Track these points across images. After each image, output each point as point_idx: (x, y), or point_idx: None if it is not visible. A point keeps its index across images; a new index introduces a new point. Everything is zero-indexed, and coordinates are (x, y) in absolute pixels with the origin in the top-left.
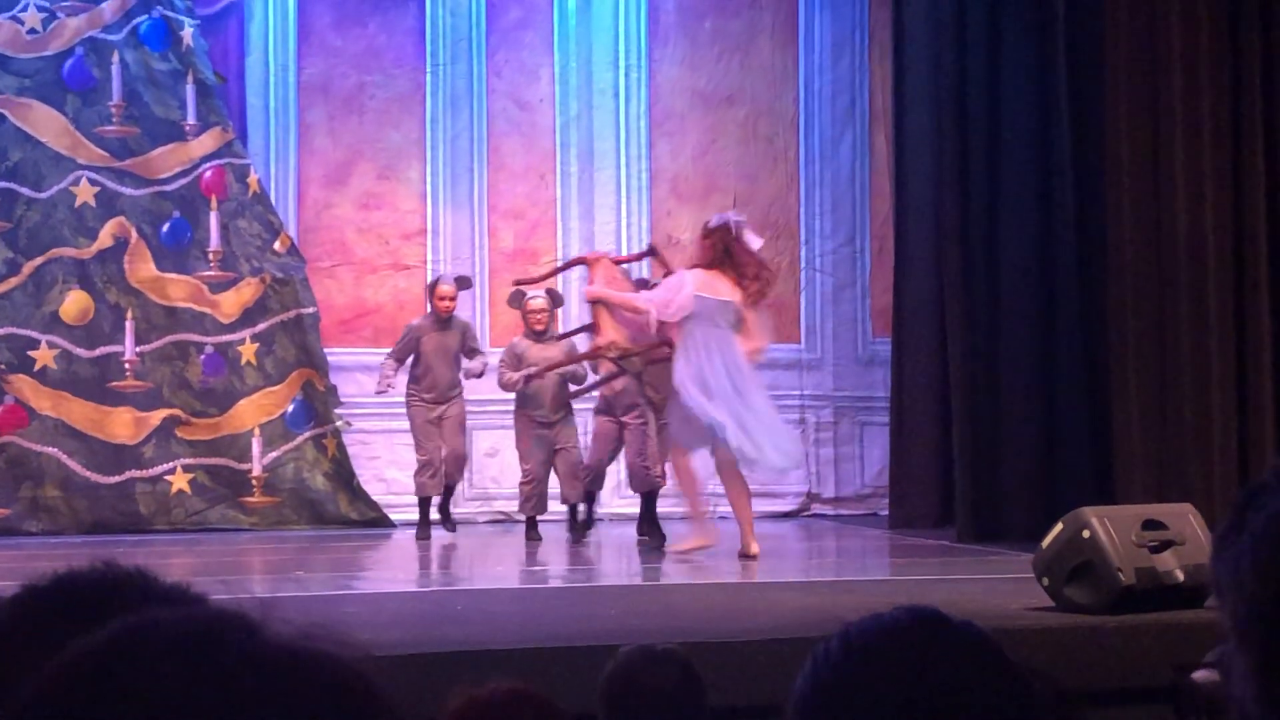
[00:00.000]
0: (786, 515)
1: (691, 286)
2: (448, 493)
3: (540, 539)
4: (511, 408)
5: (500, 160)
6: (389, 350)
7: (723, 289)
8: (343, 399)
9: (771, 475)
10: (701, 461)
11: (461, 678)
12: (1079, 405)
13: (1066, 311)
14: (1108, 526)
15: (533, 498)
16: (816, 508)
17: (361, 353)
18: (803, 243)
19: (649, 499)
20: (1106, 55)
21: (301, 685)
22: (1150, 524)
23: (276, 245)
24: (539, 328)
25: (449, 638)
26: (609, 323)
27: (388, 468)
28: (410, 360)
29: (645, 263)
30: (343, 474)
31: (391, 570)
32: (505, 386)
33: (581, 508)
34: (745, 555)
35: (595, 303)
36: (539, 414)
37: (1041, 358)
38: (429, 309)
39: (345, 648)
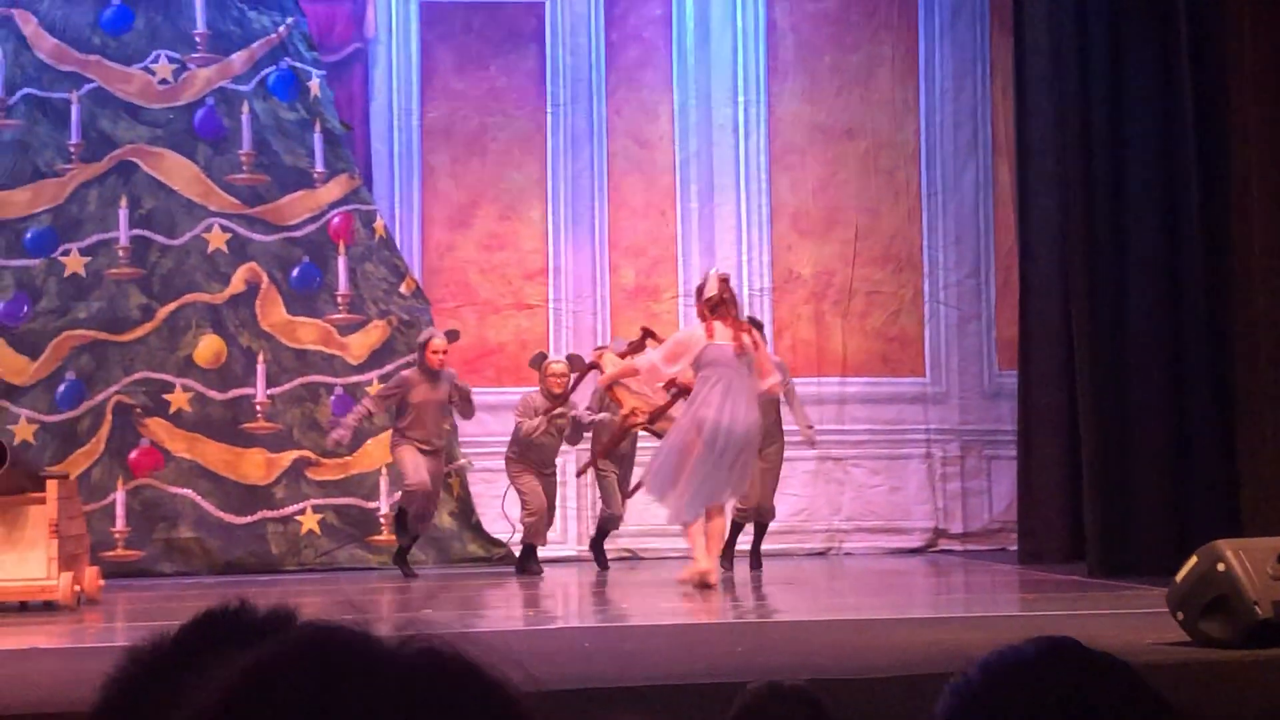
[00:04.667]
0: (913, 551)
1: (698, 336)
2: (422, 521)
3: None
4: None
5: (621, 198)
6: (377, 393)
7: (727, 334)
8: (467, 438)
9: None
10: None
11: (591, 715)
12: (1210, 436)
13: (1195, 340)
14: (1243, 559)
15: (540, 529)
16: (944, 543)
17: (486, 392)
18: (926, 276)
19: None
20: (1231, 76)
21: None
22: None
23: (402, 288)
24: (557, 391)
25: (576, 675)
26: (626, 395)
27: (512, 506)
28: (400, 411)
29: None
30: (467, 512)
31: (517, 607)
32: (526, 434)
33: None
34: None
35: (609, 388)
36: (540, 465)
37: (1171, 388)
38: (420, 360)
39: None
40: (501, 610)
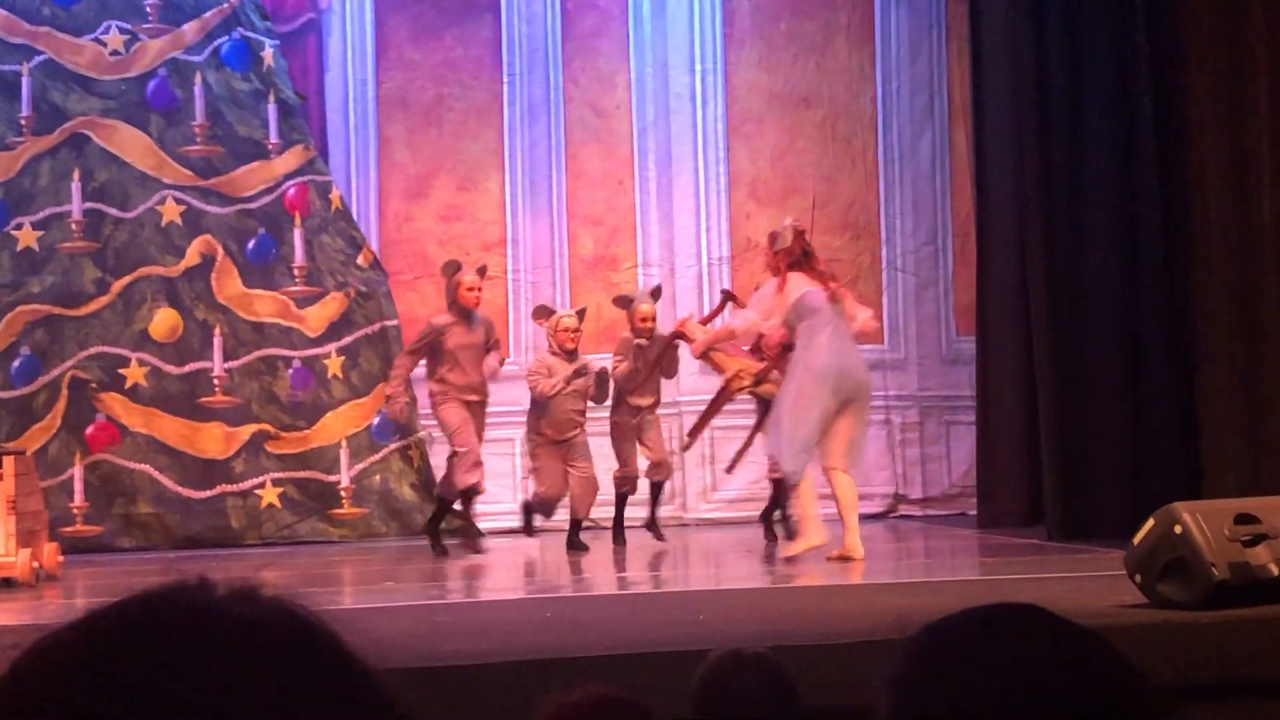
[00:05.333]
0: (874, 516)
1: (790, 289)
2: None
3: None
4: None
5: (579, 168)
6: (406, 350)
7: (814, 283)
8: (426, 410)
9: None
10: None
11: (552, 685)
12: (1168, 399)
13: (1153, 304)
14: (1200, 522)
15: (549, 508)
16: (904, 508)
17: None
18: (884, 242)
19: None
20: (1188, 44)
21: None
22: (1243, 518)
23: (360, 260)
24: (570, 346)
25: (539, 645)
26: (725, 359)
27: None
28: (435, 360)
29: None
30: (428, 484)
31: (480, 579)
32: (543, 393)
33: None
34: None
35: (704, 356)
36: (559, 430)
37: (1129, 352)
38: (453, 302)
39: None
40: (463, 581)
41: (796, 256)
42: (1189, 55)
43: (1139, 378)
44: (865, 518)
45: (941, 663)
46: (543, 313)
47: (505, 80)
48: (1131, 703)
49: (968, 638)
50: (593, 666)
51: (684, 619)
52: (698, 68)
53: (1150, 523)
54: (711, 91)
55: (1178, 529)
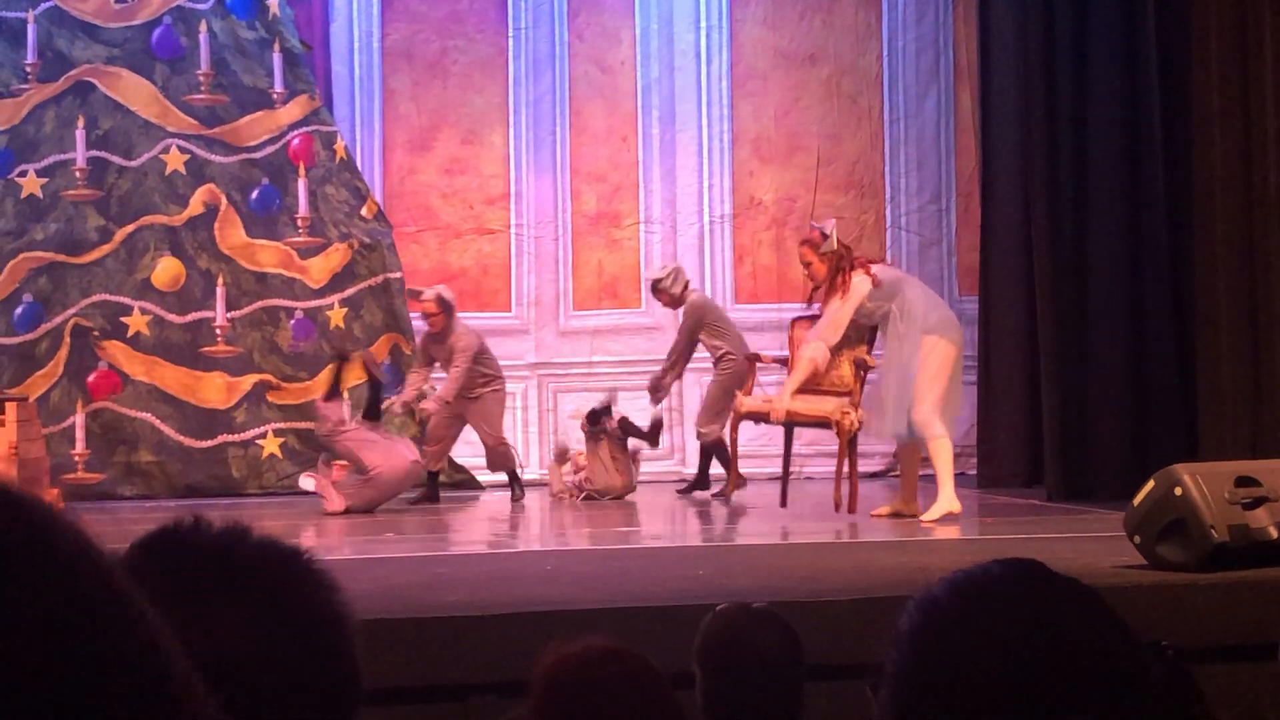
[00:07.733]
0: (874, 475)
1: (855, 290)
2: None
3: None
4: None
5: (582, 124)
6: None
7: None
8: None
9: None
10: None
11: (553, 637)
12: (1169, 361)
13: (1156, 267)
14: (1200, 483)
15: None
16: None
17: None
18: (888, 201)
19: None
20: (1194, 4)
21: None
22: (1243, 480)
23: (363, 211)
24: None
25: (540, 598)
26: (816, 402)
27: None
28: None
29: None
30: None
31: (481, 531)
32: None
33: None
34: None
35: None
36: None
37: (1131, 314)
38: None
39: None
40: (463, 533)
41: (846, 256)
42: (1196, 14)
43: (1141, 341)
44: (865, 476)
45: (950, 620)
46: (412, 295)
47: (510, 34)
48: (1140, 663)
49: (976, 595)
50: (593, 619)
51: (684, 573)
52: (703, 24)
53: (1150, 484)
54: (716, 48)
55: (1178, 491)
